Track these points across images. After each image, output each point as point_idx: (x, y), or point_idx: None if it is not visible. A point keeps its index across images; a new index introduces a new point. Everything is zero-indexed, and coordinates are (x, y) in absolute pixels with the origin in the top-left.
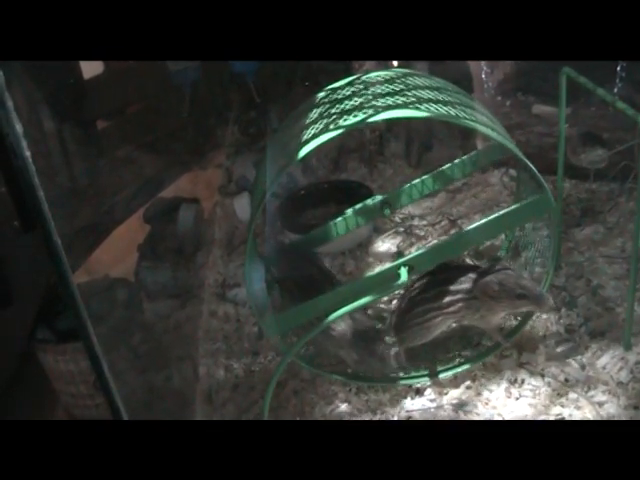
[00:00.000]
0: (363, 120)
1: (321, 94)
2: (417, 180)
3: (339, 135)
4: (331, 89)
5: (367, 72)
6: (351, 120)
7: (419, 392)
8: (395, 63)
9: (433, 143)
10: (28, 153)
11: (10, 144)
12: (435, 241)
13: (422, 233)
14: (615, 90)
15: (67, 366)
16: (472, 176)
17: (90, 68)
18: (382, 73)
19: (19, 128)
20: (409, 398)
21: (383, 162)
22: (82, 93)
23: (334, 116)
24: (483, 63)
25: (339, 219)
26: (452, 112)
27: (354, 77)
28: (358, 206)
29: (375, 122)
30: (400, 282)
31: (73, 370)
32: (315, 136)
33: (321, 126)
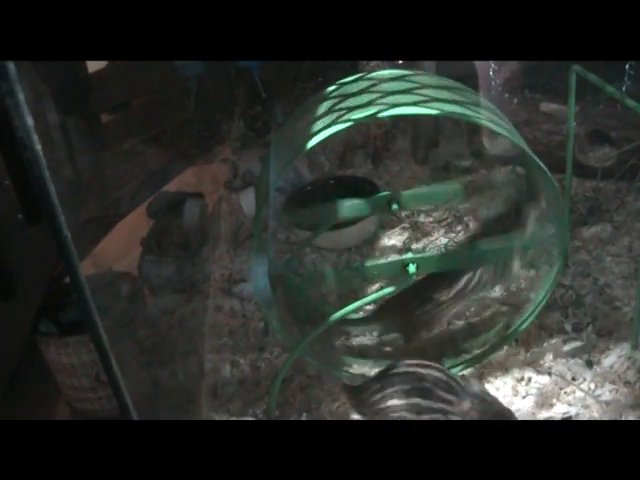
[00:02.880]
0: (374, 114)
1: (329, 90)
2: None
3: (346, 129)
4: (339, 84)
5: (375, 70)
6: (361, 114)
7: None
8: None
9: (439, 139)
10: (39, 147)
11: (20, 137)
12: (446, 244)
13: (428, 230)
14: (624, 88)
15: (69, 359)
16: (479, 173)
17: (95, 61)
18: (391, 72)
19: (30, 121)
20: None
21: (389, 158)
22: (87, 86)
23: (343, 110)
24: (491, 60)
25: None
26: (463, 111)
27: (363, 74)
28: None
29: (383, 118)
30: (407, 278)
31: (75, 363)
32: (324, 128)
33: (331, 119)
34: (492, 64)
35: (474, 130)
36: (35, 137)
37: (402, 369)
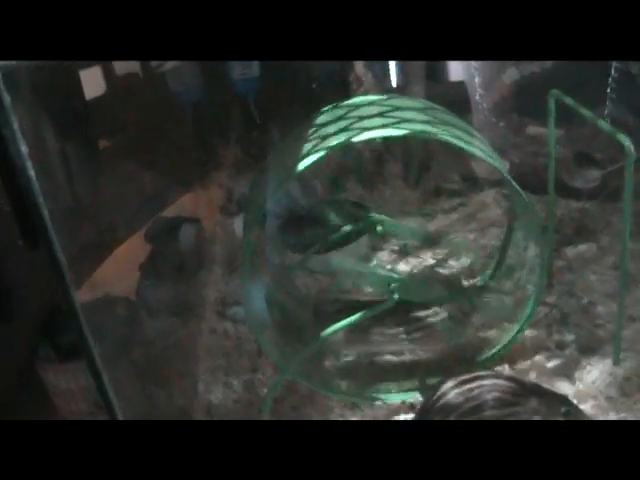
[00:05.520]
0: (345, 142)
1: (313, 117)
2: None
3: (324, 156)
4: (322, 112)
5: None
6: (334, 142)
7: (413, 407)
8: (394, 83)
9: (430, 163)
10: (32, 172)
11: (16, 163)
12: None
13: (417, 252)
14: (606, 111)
15: (68, 384)
16: (467, 196)
17: (93, 88)
18: (363, 98)
19: (24, 149)
20: (403, 414)
21: (382, 182)
22: (84, 112)
23: (318, 139)
24: (477, 85)
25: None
26: (430, 129)
27: (340, 103)
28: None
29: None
30: (392, 301)
31: (74, 388)
32: (302, 157)
33: (310, 146)
34: (479, 89)
35: (464, 154)
36: (29, 164)
37: (453, 392)
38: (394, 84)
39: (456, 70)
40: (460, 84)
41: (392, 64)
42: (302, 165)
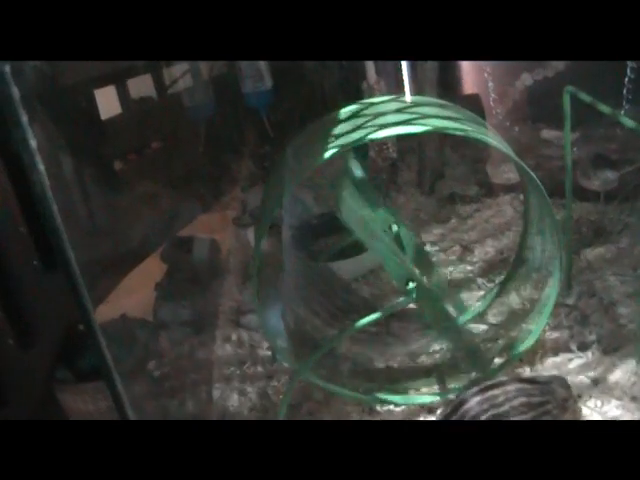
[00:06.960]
0: (361, 138)
1: (325, 118)
2: None
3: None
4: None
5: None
6: (348, 139)
7: (431, 411)
8: (407, 95)
9: (445, 170)
10: (50, 192)
11: (33, 184)
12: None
13: (434, 259)
14: (622, 112)
15: (86, 406)
16: (483, 202)
17: (107, 108)
18: (385, 98)
19: (43, 170)
20: (422, 417)
21: (395, 190)
22: (101, 133)
23: (332, 137)
24: (490, 90)
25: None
26: (452, 125)
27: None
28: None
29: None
30: (410, 297)
31: (92, 410)
32: (314, 157)
33: (322, 145)
34: (492, 94)
35: (478, 159)
36: (47, 184)
37: (475, 399)
38: (407, 97)
39: (469, 81)
40: (475, 97)
41: (405, 76)
42: (314, 164)
